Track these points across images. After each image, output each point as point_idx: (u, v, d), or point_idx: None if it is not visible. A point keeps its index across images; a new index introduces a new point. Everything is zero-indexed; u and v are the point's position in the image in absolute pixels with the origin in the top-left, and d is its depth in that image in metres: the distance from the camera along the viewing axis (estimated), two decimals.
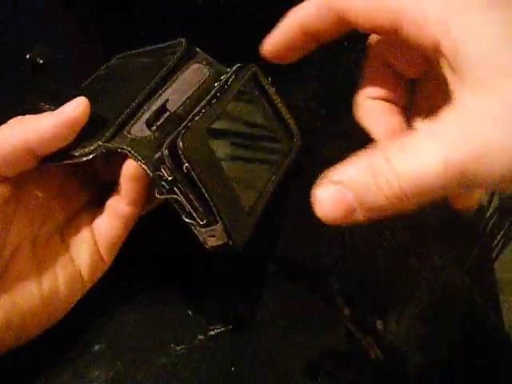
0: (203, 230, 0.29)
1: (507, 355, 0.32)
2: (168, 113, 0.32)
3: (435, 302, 0.34)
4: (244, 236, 0.29)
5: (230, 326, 0.32)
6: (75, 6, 0.49)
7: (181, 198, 0.29)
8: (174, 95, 0.34)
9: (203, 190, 0.28)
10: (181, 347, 0.31)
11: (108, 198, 0.32)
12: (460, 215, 0.38)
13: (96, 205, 0.33)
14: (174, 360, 0.31)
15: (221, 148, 0.33)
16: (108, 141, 0.30)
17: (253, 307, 0.33)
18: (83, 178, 0.33)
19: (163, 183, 0.29)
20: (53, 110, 0.30)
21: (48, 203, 0.31)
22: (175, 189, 0.29)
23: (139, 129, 0.31)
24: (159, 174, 0.29)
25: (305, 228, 0.36)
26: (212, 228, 0.29)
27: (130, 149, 0.29)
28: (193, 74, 0.36)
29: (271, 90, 0.37)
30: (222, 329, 0.32)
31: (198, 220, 0.29)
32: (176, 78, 0.35)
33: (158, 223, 0.35)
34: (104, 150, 0.30)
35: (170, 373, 0.30)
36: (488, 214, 0.35)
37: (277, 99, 0.37)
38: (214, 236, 0.29)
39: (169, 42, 0.38)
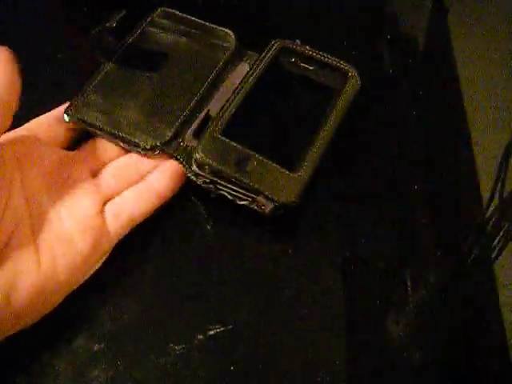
0: (254, 205, 0.34)
1: (507, 355, 0.32)
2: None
3: (434, 302, 0.34)
4: (292, 194, 0.33)
5: (230, 326, 0.32)
6: (75, 6, 0.49)
7: (228, 191, 0.34)
8: (219, 100, 0.38)
9: (236, 181, 0.33)
10: (180, 347, 0.31)
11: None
12: (459, 215, 0.38)
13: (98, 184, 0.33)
14: (174, 360, 0.31)
15: (253, 131, 0.37)
16: (166, 144, 0.35)
17: (252, 307, 0.33)
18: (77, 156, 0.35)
19: (209, 187, 0.35)
20: None
21: (43, 178, 0.31)
22: (219, 186, 0.34)
23: (190, 137, 0.36)
24: (203, 181, 0.35)
25: (307, 232, 0.36)
26: (257, 201, 0.33)
27: (182, 159, 0.35)
28: (237, 75, 0.39)
29: (306, 50, 0.39)
30: (222, 329, 0.32)
31: (247, 199, 0.34)
32: (223, 81, 0.39)
33: (157, 226, 0.35)
34: (159, 152, 0.35)
35: (170, 373, 0.30)
36: (488, 214, 0.35)
37: (316, 54, 0.39)
38: (264, 205, 0.33)
39: (218, 28, 0.41)
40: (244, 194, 0.34)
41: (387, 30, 0.47)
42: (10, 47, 0.28)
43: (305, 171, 0.34)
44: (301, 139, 0.36)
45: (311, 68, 0.39)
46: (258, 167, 0.34)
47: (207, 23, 0.41)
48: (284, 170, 0.34)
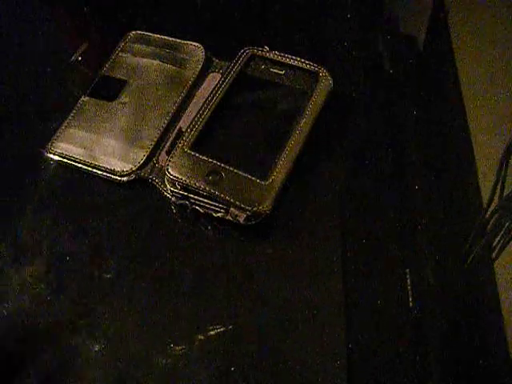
0: (228, 217, 0.34)
1: (507, 355, 0.32)
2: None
3: (434, 302, 0.34)
4: (264, 203, 0.33)
5: (230, 326, 0.32)
6: (76, 7, 0.49)
7: (201, 204, 0.35)
8: (190, 114, 0.38)
9: (208, 195, 0.34)
10: (181, 347, 0.31)
11: None
12: (459, 216, 0.38)
13: None
14: (174, 360, 0.31)
15: (224, 142, 0.37)
16: (141, 167, 0.37)
17: (253, 306, 0.33)
18: None
19: (184, 203, 0.35)
20: None
21: None
22: (193, 201, 0.35)
23: (164, 157, 0.37)
24: (177, 198, 0.35)
25: (302, 223, 0.36)
26: (231, 212, 0.34)
27: (157, 180, 0.36)
28: (207, 87, 0.39)
29: (275, 55, 0.39)
30: (222, 329, 0.32)
31: (221, 211, 0.34)
32: (194, 95, 0.40)
33: (155, 232, 0.35)
34: (137, 177, 0.36)
35: (170, 373, 0.30)
36: (488, 214, 0.35)
37: (285, 58, 0.39)
38: (237, 215, 0.34)
39: (187, 43, 0.42)
40: (217, 207, 0.34)
41: (387, 30, 0.47)
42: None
43: (275, 179, 0.34)
44: (272, 146, 0.36)
45: (282, 72, 0.39)
46: (228, 179, 0.34)
47: (177, 40, 0.42)
48: (254, 179, 0.34)
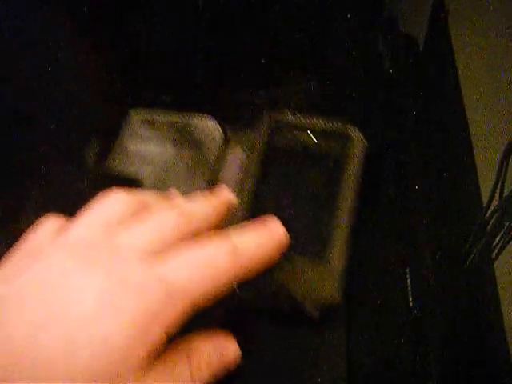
0: (298, 308, 0.31)
1: (507, 355, 0.32)
2: None
3: (434, 302, 0.34)
4: (335, 288, 0.30)
5: (231, 329, 0.32)
6: (78, 11, 0.49)
7: (267, 306, 0.31)
8: None
9: (272, 294, 0.30)
10: None
11: None
12: (459, 216, 0.38)
13: None
14: None
15: None
16: None
17: (253, 308, 0.33)
18: None
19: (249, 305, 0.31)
20: None
21: None
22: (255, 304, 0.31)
23: None
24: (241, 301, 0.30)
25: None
26: (305, 312, 0.30)
27: None
28: (230, 166, 0.35)
29: (299, 120, 0.35)
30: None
31: (284, 305, 0.31)
32: (218, 179, 0.35)
33: None
34: None
35: None
36: (488, 214, 0.35)
37: (310, 120, 0.35)
38: (317, 308, 0.30)
39: (196, 116, 0.37)
40: (276, 301, 0.31)
41: (387, 30, 0.47)
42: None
43: (337, 260, 0.31)
44: (322, 222, 0.32)
45: (310, 138, 0.35)
46: (288, 272, 0.30)
47: (183, 115, 0.37)
48: (313, 263, 0.31)
